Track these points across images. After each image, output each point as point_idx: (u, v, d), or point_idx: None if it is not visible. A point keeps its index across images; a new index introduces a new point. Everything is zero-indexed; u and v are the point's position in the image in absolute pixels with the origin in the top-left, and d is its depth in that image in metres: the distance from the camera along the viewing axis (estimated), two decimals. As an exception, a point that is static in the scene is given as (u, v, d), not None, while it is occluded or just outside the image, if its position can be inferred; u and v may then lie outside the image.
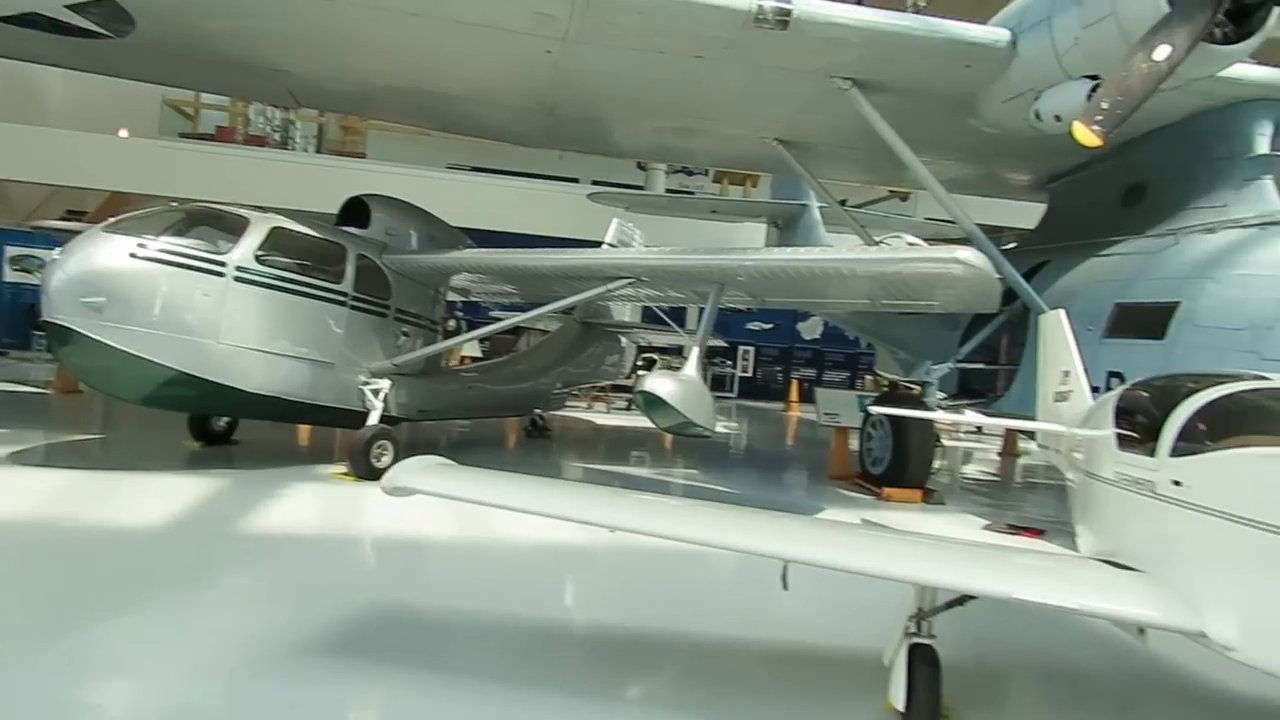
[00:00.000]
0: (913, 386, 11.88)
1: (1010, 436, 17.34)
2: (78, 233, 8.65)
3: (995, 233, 14.14)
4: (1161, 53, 6.82)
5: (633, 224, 16.41)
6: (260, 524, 7.26)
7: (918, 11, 12.40)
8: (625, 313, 15.08)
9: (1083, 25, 7.56)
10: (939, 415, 9.67)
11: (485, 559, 6.89)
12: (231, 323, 8.44)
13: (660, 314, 10.98)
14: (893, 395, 12.06)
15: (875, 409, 8.79)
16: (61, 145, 21.21)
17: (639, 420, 9.40)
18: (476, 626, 5.20)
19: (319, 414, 9.66)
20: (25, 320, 22.59)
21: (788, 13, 7.88)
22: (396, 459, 8.00)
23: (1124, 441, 4.28)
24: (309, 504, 8.25)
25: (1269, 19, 7.35)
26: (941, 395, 11.39)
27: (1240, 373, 4.20)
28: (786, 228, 17.93)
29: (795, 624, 5.53)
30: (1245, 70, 8.84)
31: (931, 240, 14.05)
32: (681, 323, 12.94)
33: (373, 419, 9.45)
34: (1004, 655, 5.30)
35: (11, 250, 24.59)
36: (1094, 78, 7.69)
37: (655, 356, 19.81)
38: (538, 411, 14.38)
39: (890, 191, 23.82)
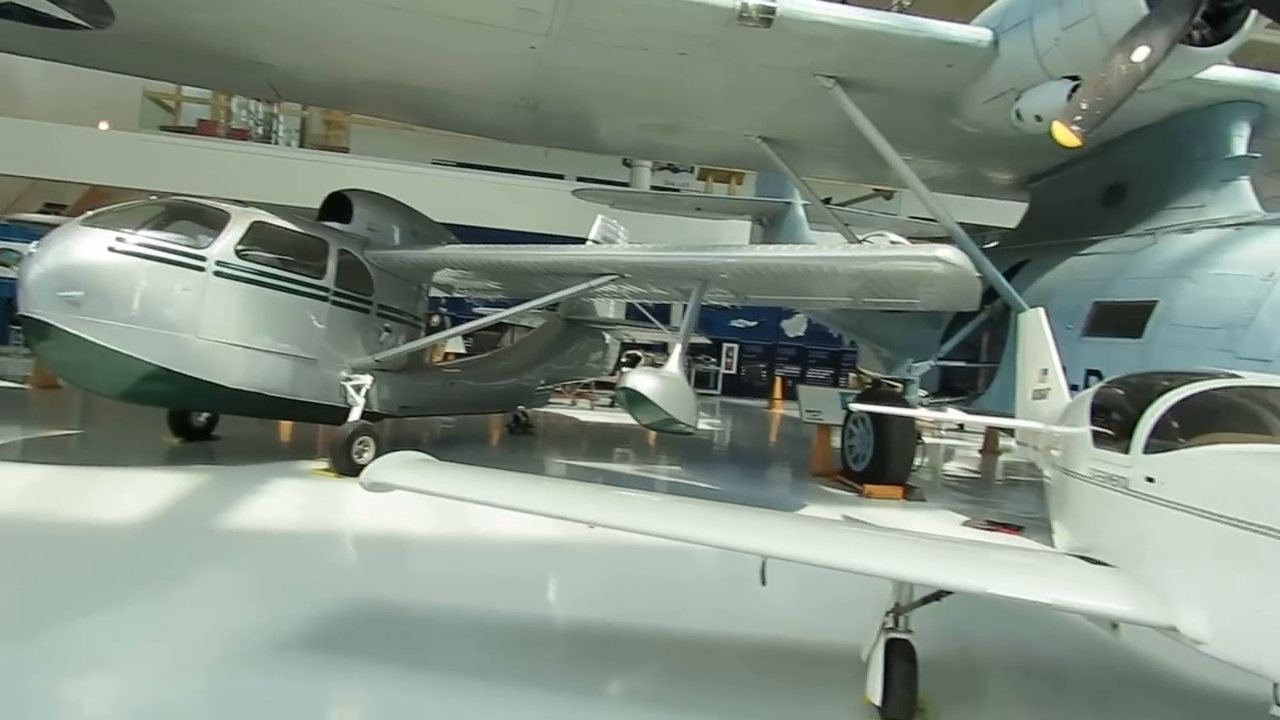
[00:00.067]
0: (895, 384, 11.94)
1: (991, 434, 17.47)
2: (56, 226, 8.56)
3: (978, 231, 14.25)
4: (1140, 54, 6.88)
5: (617, 221, 16.42)
6: (240, 520, 7.22)
7: (902, 11, 12.49)
8: (609, 309, 15.09)
9: (1063, 26, 7.62)
10: (920, 413, 9.75)
11: (466, 555, 6.88)
12: (211, 318, 8.39)
13: (643, 311, 10.99)
14: (875, 393, 12.13)
15: (856, 406, 8.84)
16: (40, 137, 21.01)
17: (622, 417, 9.42)
18: (457, 622, 5.19)
19: (300, 410, 9.60)
20: (2, 314, 22.34)
21: (771, 10, 7.90)
22: (378, 455, 7.97)
23: (1099, 439, 4.33)
24: (289, 500, 8.21)
25: (1246, 22, 7.43)
26: (923, 393, 11.48)
27: (1214, 371, 4.26)
28: (771, 225, 18.00)
29: (776, 619, 5.57)
30: (1223, 72, 8.95)
31: (915, 239, 14.13)
32: (666, 320, 12.98)
33: (354, 415, 9.41)
34: (980, 649, 5.35)
35: (-12, 243, 24.32)
36: (1074, 78, 7.76)
37: (639, 353, 19.82)
38: (521, 408, 14.36)
39: (875, 190, 23.96)
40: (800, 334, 29.52)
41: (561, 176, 25.01)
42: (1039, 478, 5.82)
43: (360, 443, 9.18)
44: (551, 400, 17.07)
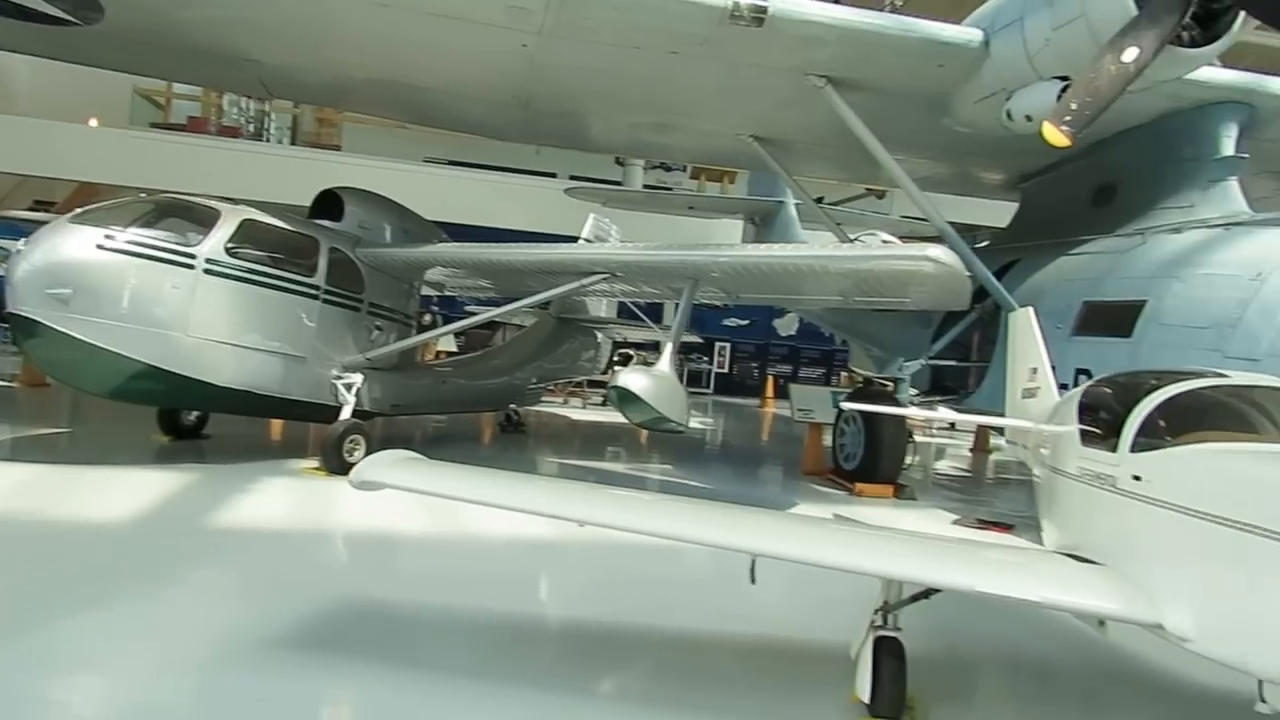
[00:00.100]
0: (887, 383, 11.98)
1: (982, 432, 17.52)
2: (44, 223, 8.52)
3: (969, 231, 14.30)
4: (1130, 55, 6.91)
5: (609, 220, 16.41)
6: (230, 518, 7.20)
7: (894, 11, 12.52)
8: (601, 308, 15.08)
9: (1053, 26, 7.65)
10: (910, 411, 9.78)
11: (457, 554, 6.87)
12: (201, 316, 8.35)
13: (635, 309, 10.99)
14: (866, 391, 12.17)
15: (847, 405, 8.87)
16: (29, 134, 20.89)
17: (614, 416, 9.42)
18: (448, 621, 5.19)
19: (291, 408, 9.58)
20: (-9, 312, 22.19)
21: (763, 10, 7.91)
22: (369, 454, 7.96)
23: (1087, 437, 4.35)
24: (280, 499, 8.19)
25: (1235, 23, 7.47)
26: (914, 391, 11.51)
27: (1201, 370, 4.29)
28: (763, 224, 18.02)
29: (766, 617, 5.58)
30: (1212, 73, 8.99)
31: (907, 238, 14.18)
32: (659, 319, 12.98)
33: (345, 413, 9.39)
34: (969, 647, 5.37)
35: (-23, 241, 24.15)
36: (1064, 78, 7.79)
37: (631, 352, 19.82)
38: (513, 407, 14.35)
39: (867, 189, 23.97)
40: (792, 333, 29.51)
41: (554, 175, 24.98)
42: (1029, 476, 5.85)
43: (351, 441, 9.16)
44: (543, 399, 17.06)
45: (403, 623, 5.09)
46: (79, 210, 8.40)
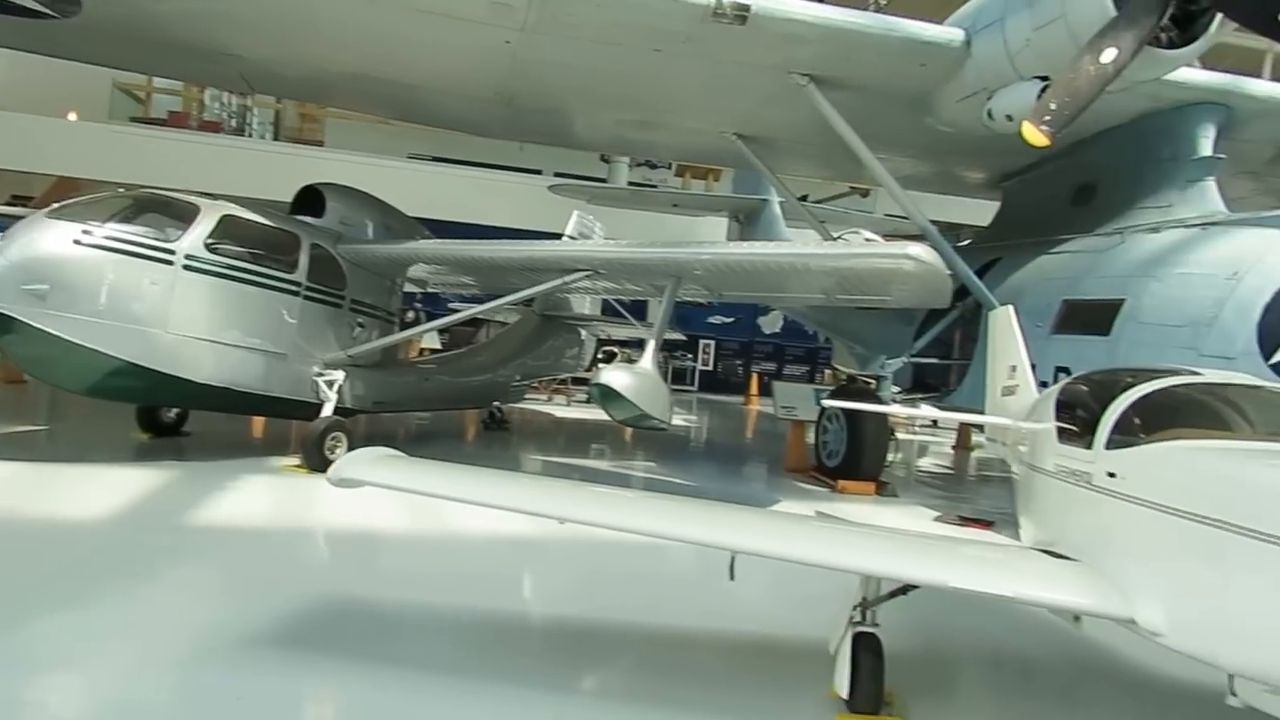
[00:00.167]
0: (870, 380, 12.03)
1: (964, 430, 17.62)
2: (21, 218, 8.42)
3: (952, 230, 14.39)
4: (1108, 55, 6.97)
5: (594, 217, 16.40)
6: (210, 516, 7.15)
7: (879, 10, 12.56)
8: (585, 305, 15.07)
9: (1034, 27, 7.70)
10: (892, 409, 9.83)
11: (439, 552, 6.86)
12: (180, 312, 8.29)
13: (617, 307, 10.99)
14: (848, 389, 12.21)
15: (829, 402, 8.91)
16: (7, 128, 20.65)
17: (598, 413, 9.42)
18: (430, 619, 5.18)
19: (271, 405, 9.53)
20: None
21: (746, 8, 7.93)
22: (351, 451, 7.94)
23: (1064, 434, 4.38)
24: (260, 496, 8.15)
25: (1212, 25, 7.54)
26: (896, 389, 11.56)
27: (1176, 368, 4.34)
28: (747, 222, 18.06)
29: (749, 614, 5.61)
30: (1190, 74, 9.08)
31: (891, 236, 14.24)
32: (643, 316, 12.97)
33: (327, 411, 9.34)
34: (948, 643, 5.41)
35: (-47, 235, 23.86)
36: (1045, 78, 7.84)
37: (615, 349, 19.82)
38: (496, 404, 14.32)
39: (851, 188, 24.08)
40: (777, 330, 29.73)
41: (539, 172, 24.95)
42: (1009, 474, 5.89)
43: (333, 438, 9.11)
44: (527, 396, 17.03)
45: (384, 620, 5.07)
46: (56, 205, 8.32)
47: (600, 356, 18.24)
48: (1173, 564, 3.25)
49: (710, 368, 29.98)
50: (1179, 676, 4.70)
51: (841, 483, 10.65)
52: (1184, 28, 7.53)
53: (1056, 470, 4.32)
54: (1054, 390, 4.91)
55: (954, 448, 17.86)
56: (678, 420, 18.69)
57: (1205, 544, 3.05)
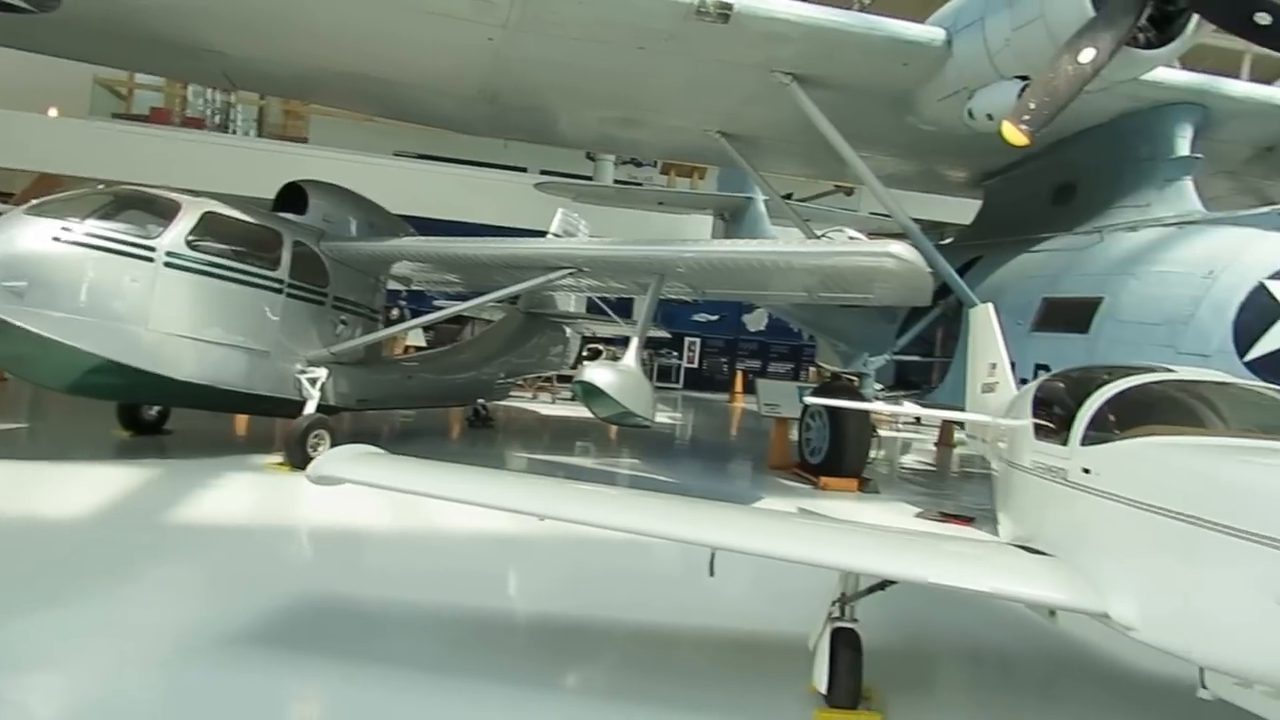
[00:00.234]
0: (853, 378, 12.09)
1: (947, 427, 17.73)
2: (0, 215, 8.35)
3: (936, 228, 14.49)
4: (1087, 55, 7.03)
5: (578, 215, 16.40)
6: (192, 514, 7.11)
7: (863, 10, 12.61)
8: (570, 303, 15.07)
9: (1013, 27, 7.76)
10: (874, 406, 9.88)
11: (423, 550, 6.85)
12: (161, 309, 8.25)
13: (601, 305, 11.00)
14: (831, 386, 12.27)
15: (811, 400, 8.96)
16: (-15, 124, 20.41)
17: (583, 411, 9.43)
18: (413, 617, 5.18)
19: (254, 403, 9.49)
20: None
21: (729, 6, 7.95)
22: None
23: (1040, 431, 4.43)
24: (243, 494, 8.11)
25: (1189, 26, 7.62)
26: (879, 386, 11.63)
27: (1150, 365, 4.40)
28: (732, 220, 18.09)
29: (731, 611, 5.64)
30: (1168, 75, 9.17)
31: (874, 235, 14.30)
32: (629, 314, 13.00)
33: (309, 408, 9.31)
34: (926, 637, 5.46)
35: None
36: (1024, 78, 7.90)
37: (600, 347, 19.83)
38: (481, 401, 14.30)
39: (836, 186, 24.15)
40: (761, 328, 29.83)
41: (525, 170, 24.90)
42: (989, 470, 5.95)
43: (315, 436, 9.08)
44: (512, 394, 17.02)
45: (367, 618, 5.07)
46: (35, 201, 8.26)
47: (585, 354, 18.25)
48: (1145, 559, 3.29)
49: (695, 365, 30.05)
50: (1152, 670, 4.76)
51: (824, 480, 10.71)
52: (1161, 28, 7.60)
53: (1033, 466, 4.37)
54: (1031, 387, 4.96)
55: (936, 444, 17.97)
56: (662, 418, 18.72)
57: (1177, 539, 3.09)
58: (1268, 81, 10.82)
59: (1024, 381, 6.70)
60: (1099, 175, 10.21)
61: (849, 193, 25.86)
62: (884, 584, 4.07)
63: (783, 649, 4.80)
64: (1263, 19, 7.05)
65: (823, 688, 3.99)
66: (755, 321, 29.65)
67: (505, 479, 5.15)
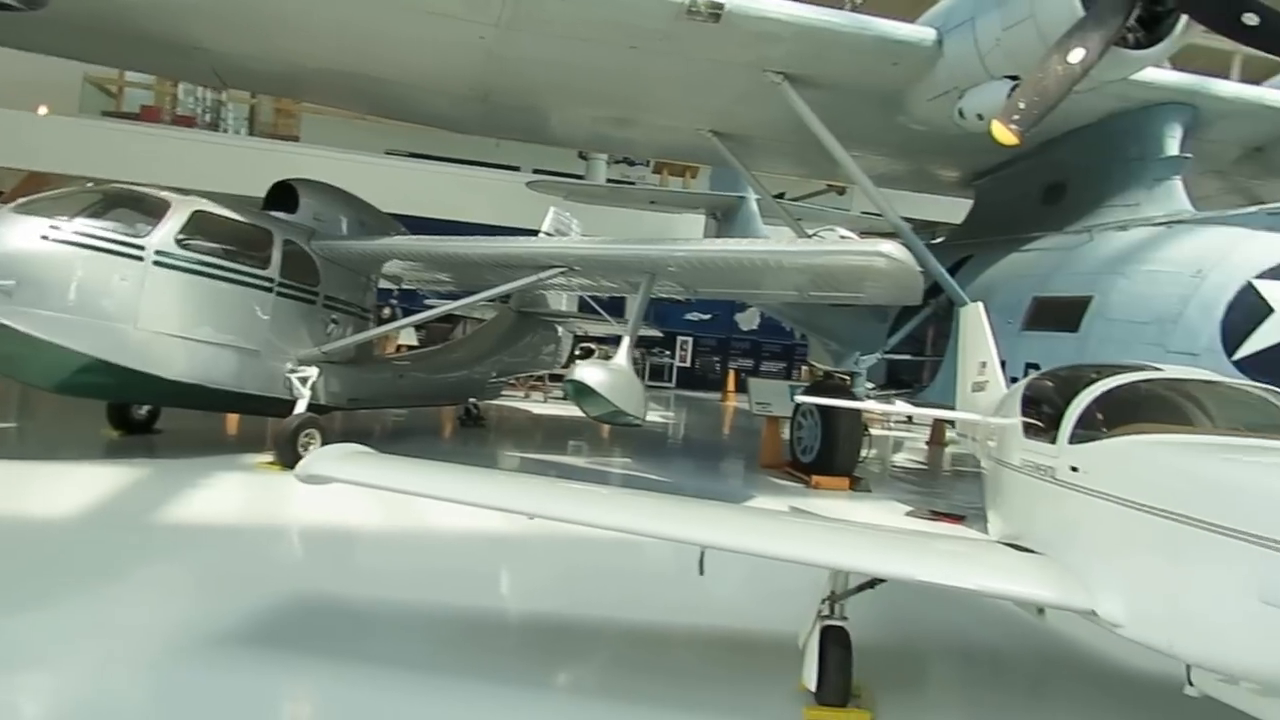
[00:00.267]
0: (845, 377, 12.12)
1: (938, 426, 17.78)
2: (-12, 214, 8.30)
3: (928, 227, 14.51)
4: (1076, 55, 7.03)
5: (570, 214, 16.38)
6: (181, 514, 7.09)
7: (854, 9, 12.61)
8: (562, 302, 15.06)
9: (1003, 26, 7.76)
10: (865, 405, 9.91)
11: (414, 549, 6.84)
12: (150, 308, 8.22)
13: (592, 304, 11.00)
14: (822, 385, 12.29)
15: (802, 398, 8.98)
16: (-26, 122, 20.28)
17: (575, 410, 9.42)
18: (404, 616, 5.17)
19: (244, 402, 9.47)
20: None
21: (720, 5, 7.93)
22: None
23: (1029, 430, 4.44)
24: (233, 494, 8.09)
25: (1178, 26, 7.64)
26: (870, 385, 11.66)
27: (1139, 364, 4.42)
28: (725, 219, 18.08)
29: (723, 609, 5.65)
30: (1158, 75, 9.18)
31: (866, 234, 14.31)
32: (621, 313, 13.00)
33: (300, 407, 9.29)
34: (915, 635, 5.47)
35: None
36: (1014, 78, 7.90)
37: (593, 346, 19.83)
38: (472, 400, 14.29)
39: (828, 185, 24.17)
40: (754, 327, 29.81)
41: (517, 169, 24.82)
42: (980, 468, 5.96)
43: (306, 435, 9.06)
44: (504, 393, 17.01)
45: (358, 618, 5.06)
46: (23, 199, 8.21)
47: (578, 353, 18.24)
48: (1132, 557, 3.30)
49: (688, 364, 30.09)
50: (1141, 667, 4.78)
51: (816, 478, 10.74)
52: (1150, 29, 7.61)
53: (1022, 465, 4.38)
54: (1020, 386, 4.98)
55: (928, 443, 18.03)
56: (655, 417, 18.74)
57: (1163, 537, 3.10)
58: (1257, 82, 10.85)
59: (1015, 380, 6.73)
60: (1089, 175, 10.23)
61: (841, 192, 25.86)
62: (873, 582, 4.08)
63: (773, 647, 4.80)
64: (1250, 20, 7.08)
65: (812, 686, 4.00)
66: (748, 320, 29.55)
67: (494, 478, 5.15)
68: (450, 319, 16.16)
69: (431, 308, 12.70)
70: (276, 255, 9.46)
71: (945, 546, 3.99)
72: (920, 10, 8.95)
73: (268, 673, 4.11)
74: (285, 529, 7.22)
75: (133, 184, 9.23)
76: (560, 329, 15.95)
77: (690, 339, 29.97)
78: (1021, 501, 4.42)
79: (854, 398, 10.43)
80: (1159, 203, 9.38)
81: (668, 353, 29.11)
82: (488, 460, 11.31)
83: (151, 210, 8.55)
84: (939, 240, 13.00)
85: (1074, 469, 3.76)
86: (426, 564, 6.40)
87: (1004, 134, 7.26)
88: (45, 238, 7.68)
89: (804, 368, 27.54)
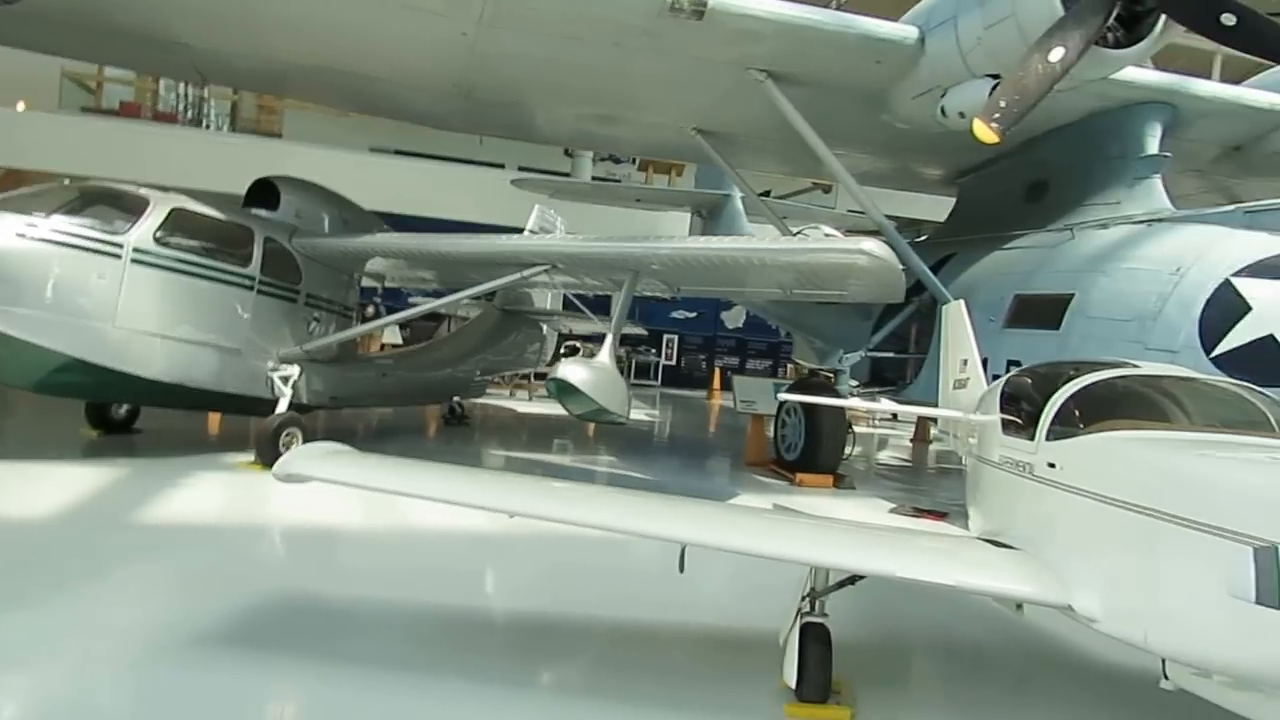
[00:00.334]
0: (830, 374, 12.15)
1: (922, 423, 17.86)
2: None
3: (913, 225, 14.54)
4: (1056, 54, 7.08)
5: (555, 211, 16.35)
6: (161, 514, 7.03)
7: (839, 8, 12.63)
8: (546, 300, 15.03)
9: (985, 25, 7.79)
10: (848, 402, 9.94)
11: (396, 548, 6.81)
12: (128, 307, 8.14)
13: (576, 302, 10.98)
14: (806, 382, 12.31)
15: (786, 396, 9.00)
16: (-50, 117, 20.07)
17: (560, 408, 9.40)
18: (387, 615, 5.14)
19: (225, 402, 9.40)
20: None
21: (703, 3, 7.92)
22: (305, 447, 7.83)
23: (1008, 426, 4.46)
24: (213, 494, 8.03)
25: (1157, 26, 7.69)
26: (854, 383, 11.70)
27: (1116, 361, 4.45)
28: (710, 217, 18.10)
29: (708, 606, 5.67)
30: (1138, 74, 9.26)
31: (851, 232, 14.34)
32: (608, 311, 12.98)
33: (281, 406, 9.23)
34: (896, 631, 5.49)
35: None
36: (996, 76, 7.94)
37: (578, 344, 19.81)
38: (456, 399, 14.24)
39: (814, 183, 24.23)
40: (739, 325, 29.92)
41: (503, 166, 24.75)
42: (962, 465, 5.98)
43: (288, 435, 9.00)
44: (489, 391, 16.96)
45: (340, 617, 5.03)
46: (-1, 197, 8.13)
47: (563, 352, 18.21)
48: (1107, 552, 3.33)
49: (674, 363, 30.09)
50: (1119, 662, 4.81)
51: (800, 476, 10.76)
52: (1130, 28, 7.66)
53: (1001, 461, 4.41)
54: (999, 383, 5.00)
55: (913, 441, 18.10)
56: (640, 415, 18.74)
57: (1136, 532, 3.13)
58: (1237, 82, 10.94)
59: (996, 378, 6.76)
60: (1070, 173, 10.30)
61: (827, 190, 25.93)
62: (853, 579, 4.08)
63: (756, 644, 4.81)
64: (1228, 20, 7.15)
65: (792, 682, 4.00)
66: (733, 319, 29.75)
67: (474, 476, 5.11)
68: (434, 317, 16.09)
69: (416, 306, 12.65)
70: (257, 253, 9.39)
71: (924, 543, 3.99)
72: (903, 9, 8.97)
73: (248, 673, 4.08)
74: (266, 528, 7.16)
75: (111, 181, 9.14)
76: (545, 327, 15.92)
77: (676, 337, 29.99)
78: (1001, 498, 4.44)
79: (838, 395, 10.46)
80: (1139, 201, 9.45)
81: (654, 351, 29.10)
82: (472, 459, 11.27)
83: (130, 207, 8.47)
84: (923, 238, 13.04)
85: (1051, 465, 3.78)
86: (409, 563, 6.37)
87: (985, 132, 7.29)
88: (21, 235, 7.59)
89: (789, 365, 27.62)
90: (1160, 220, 8.77)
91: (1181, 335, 7.29)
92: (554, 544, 6.65)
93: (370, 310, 15.63)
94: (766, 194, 18.08)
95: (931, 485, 12.85)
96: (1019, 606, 4.01)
